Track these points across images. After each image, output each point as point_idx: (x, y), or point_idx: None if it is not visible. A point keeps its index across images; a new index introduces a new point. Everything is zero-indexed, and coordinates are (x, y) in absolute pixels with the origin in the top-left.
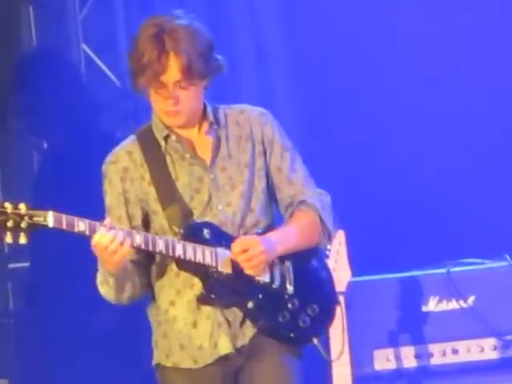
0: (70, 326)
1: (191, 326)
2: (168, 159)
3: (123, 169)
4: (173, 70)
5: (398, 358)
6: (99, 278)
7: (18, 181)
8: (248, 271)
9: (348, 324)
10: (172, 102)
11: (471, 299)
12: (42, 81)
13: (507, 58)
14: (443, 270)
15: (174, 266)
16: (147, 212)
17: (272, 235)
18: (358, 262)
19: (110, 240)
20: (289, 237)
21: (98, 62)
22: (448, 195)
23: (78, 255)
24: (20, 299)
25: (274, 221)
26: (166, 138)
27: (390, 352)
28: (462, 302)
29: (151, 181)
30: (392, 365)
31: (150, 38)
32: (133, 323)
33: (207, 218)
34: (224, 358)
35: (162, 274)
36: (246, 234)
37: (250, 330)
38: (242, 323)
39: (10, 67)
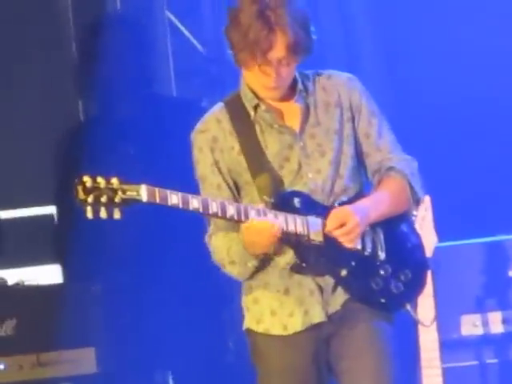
0: (157, 293)
1: (283, 292)
2: (257, 128)
3: (213, 138)
4: (279, 47)
5: (484, 324)
6: (231, 257)
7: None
8: (345, 244)
9: (435, 289)
10: (274, 78)
11: None
12: (125, 47)
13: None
14: None
15: None
16: (238, 182)
17: (364, 202)
18: (444, 227)
19: (262, 226)
20: (380, 203)
21: (183, 28)
22: None
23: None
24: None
25: (363, 186)
26: (256, 107)
27: (476, 317)
28: None
29: (241, 150)
30: (479, 330)
31: (254, 14)
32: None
33: (298, 187)
34: (315, 326)
35: None
36: (335, 200)
37: (341, 297)
38: (334, 290)
39: (94, 33)
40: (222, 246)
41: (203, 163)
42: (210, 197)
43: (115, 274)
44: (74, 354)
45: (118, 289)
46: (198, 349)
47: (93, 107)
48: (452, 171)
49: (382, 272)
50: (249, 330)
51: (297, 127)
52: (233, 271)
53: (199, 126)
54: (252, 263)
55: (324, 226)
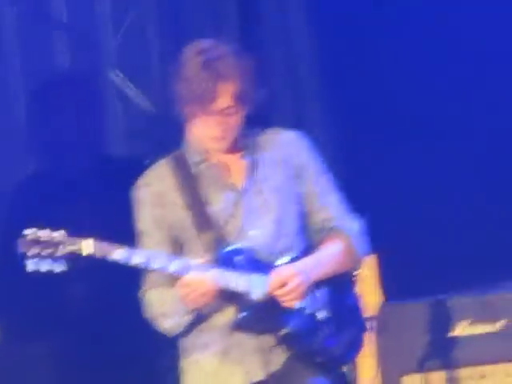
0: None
1: (223, 352)
2: (201, 184)
3: (155, 193)
4: (225, 97)
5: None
6: (163, 309)
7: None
8: (286, 304)
9: (378, 348)
10: (222, 127)
11: (501, 323)
12: (73, 105)
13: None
14: (473, 294)
15: None
16: (180, 237)
17: (306, 262)
18: (391, 286)
19: (200, 281)
20: (322, 263)
21: (131, 87)
22: (480, 219)
23: None
24: None
25: (308, 245)
26: (201, 162)
27: (418, 377)
28: (493, 326)
29: (185, 206)
30: None
31: (199, 65)
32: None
33: (241, 244)
34: None
35: None
36: (278, 259)
37: (282, 355)
38: (274, 348)
39: (42, 89)
40: (156, 300)
41: (144, 218)
42: (149, 252)
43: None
44: None
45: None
46: None
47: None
48: (399, 230)
49: (321, 332)
50: None
51: (241, 184)
52: (165, 325)
53: (141, 180)
54: (186, 318)
55: (266, 284)
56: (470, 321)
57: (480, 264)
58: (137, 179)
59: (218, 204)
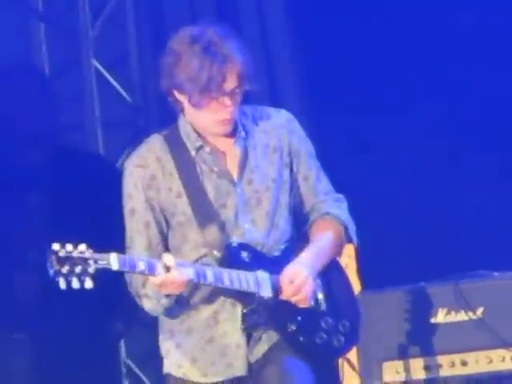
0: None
1: (207, 341)
2: (198, 170)
3: (151, 176)
4: (231, 78)
5: (406, 370)
6: (146, 290)
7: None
8: (297, 302)
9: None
10: (230, 109)
11: (480, 310)
12: (52, 96)
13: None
14: (452, 282)
15: None
16: (170, 222)
17: (309, 256)
18: (368, 275)
19: (171, 282)
20: (323, 254)
21: (110, 77)
22: (458, 207)
23: None
24: None
25: (295, 235)
26: (200, 148)
27: (399, 364)
28: (470, 314)
29: (183, 194)
30: (401, 377)
31: (200, 53)
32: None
33: (235, 236)
34: (236, 378)
35: None
36: (269, 251)
37: (264, 346)
38: (260, 339)
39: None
40: (138, 279)
41: (136, 198)
42: (136, 232)
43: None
44: None
45: (41, 335)
46: None
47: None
48: (375, 219)
49: (323, 325)
50: (168, 375)
51: (235, 173)
52: (146, 305)
53: (137, 160)
54: (164, 301)
55: (272, 281)
56: (449, 308)
57: (455, 252)
58: (117, 171)
59: (211, 193)
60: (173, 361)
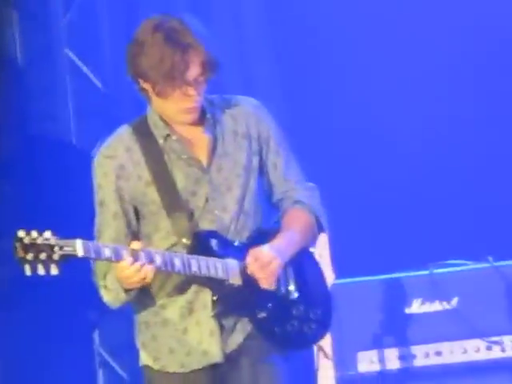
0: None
1: (182, 331)
2: (166, 159)
3: (120, 166)
4: (195, 65)
5: (381, 360)
6: (106, 282)
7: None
8: (264, 285)
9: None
10: (194, 98)
11: (454, 301)
12: (25, 85)
13: (508, 58)
14: (426, 272)
15: None
16: (141, 211)
17: (279, 242)
18: (341, 265)
19: (137, 269)
20: (293, 241)
21: (82, 66)
22: (430, 197)
23: None
24: None
25: (261, 222)
26: (167, 137)
27: (373, 354)
28: (445, 304)
29: (151, 182)
30: (375, 367)
31: (162, 41)
32: None
33: (204, 223)
34: (213, 365)
35: (153, 276)
36: (239, 237)
37: (239, 336)
38: (233, 329)
39: None
40: (101, 269)
41: (105, 188)
42: (105, 224)
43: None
44: None
45: (14, 324)
46: None
47: None
48: (348, 208)
49: (294, 312)
50: (146, 367)
51: (204, 160)
52: (105, 296)
53: (106, 150)
54: (122, 295)
55: (242, 267)
56: (423, 298)
57: (427, 242)
58: (90, 159)
59: (181, 181)
60: (149, 353)
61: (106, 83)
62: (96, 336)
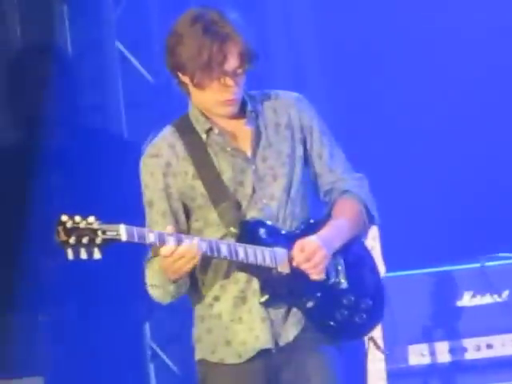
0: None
1: (237, 321)
2: (210, 152)
3: (166, 163)
4: (233, 57)
5: (432, 353)
6: (153, 281)
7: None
8: (313, 276)
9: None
10: (233, 89)
11: (505, 293)
12: (76, 78)
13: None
14: (477, 265)
15: (216, 260)
16: (189, 207)
17: (327, 232)
18: (391, 258)
19: (184, 251)
20: (342, 231)
21: (133, 59)
22: (482, 189)
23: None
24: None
25: (309, 211)
26: (208, 130)
27: (424, 347)
28: (496, 297)
29: (197, 175)
30: (426, 360)
31: (200, 33)
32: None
33: (253, 212)
34: (267, 354)
35: (205, 268)
36: (287, 226)
37: (293, 329)
38: (285, 321)
39: (44, 62)
40: (148, 270)
41: (152, 188)
42: (154, 223)
43: (64, 304)
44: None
45: (66, 319)
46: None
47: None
48: (399, 201)
49: (345, 302)
50: (202, 361)
51: (249, 150)
52: (154, 294)
53: (151, 150)
54: (170, 288)
55: (290, 257)
56: (474, 291)
57: (479, 235)
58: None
59: (227, 172)
60: (206, 346)
61: (156, 76)
62: (147, 329)
